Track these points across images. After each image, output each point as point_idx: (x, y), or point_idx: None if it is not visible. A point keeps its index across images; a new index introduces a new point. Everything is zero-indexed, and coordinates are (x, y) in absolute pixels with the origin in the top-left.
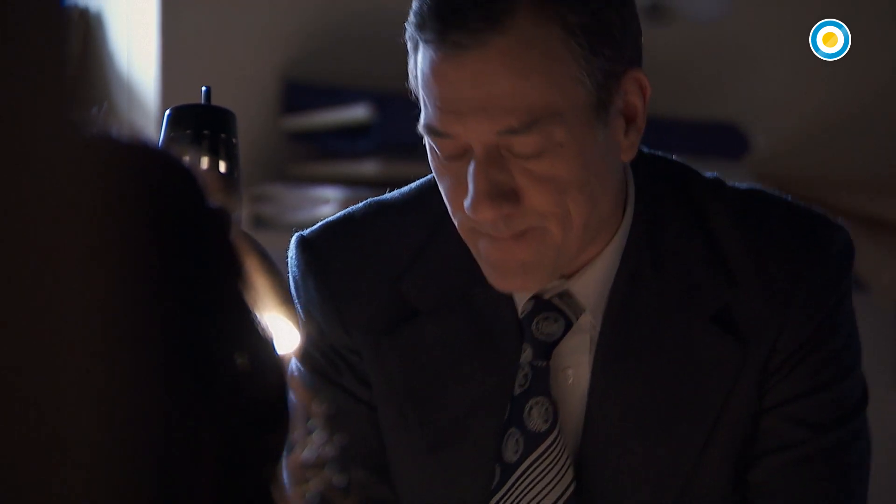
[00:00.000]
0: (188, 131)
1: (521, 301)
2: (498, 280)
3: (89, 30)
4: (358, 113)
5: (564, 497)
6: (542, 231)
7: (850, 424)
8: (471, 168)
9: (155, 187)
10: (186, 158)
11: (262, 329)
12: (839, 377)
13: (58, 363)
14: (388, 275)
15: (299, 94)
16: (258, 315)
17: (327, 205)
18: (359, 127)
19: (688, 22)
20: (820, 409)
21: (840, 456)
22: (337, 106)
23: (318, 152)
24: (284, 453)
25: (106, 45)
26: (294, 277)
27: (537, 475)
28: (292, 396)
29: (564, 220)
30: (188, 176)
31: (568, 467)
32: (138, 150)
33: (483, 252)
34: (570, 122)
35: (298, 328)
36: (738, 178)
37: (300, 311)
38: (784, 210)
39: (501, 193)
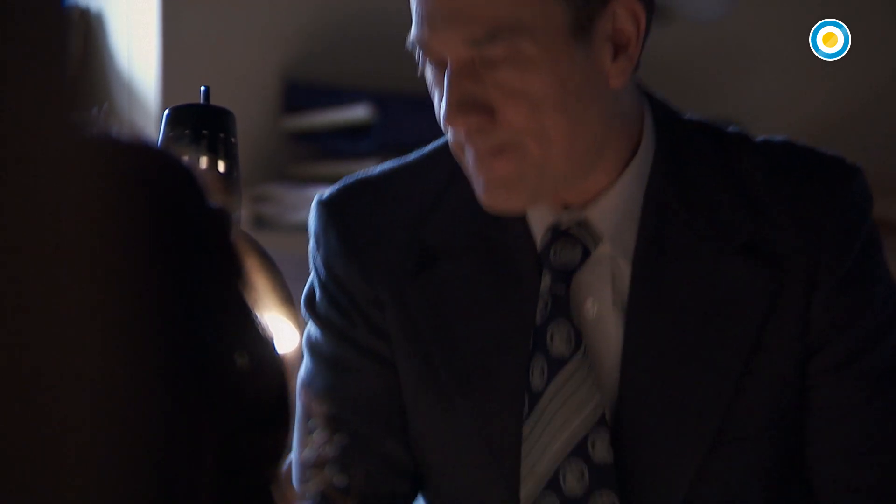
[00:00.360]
0: (187, 131)
1: (539, 234)
2: (483, 196)
3: (90, 30)
4: (358, 113)
5: (594, 420)
6: (520, 147)
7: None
8: (445, 79)
9: (155, 187)
10: (186, 158)
11: (263, 329)
12: (884, 309)
13: (57, 363)
14: (407, 223)
15: (300, 94)
16: (258, 315)
17: None
18: (359, 127)
19: (688, 22)
20: (866, 340)
21: (890, 386)
22: (337, 106)
23: (319, 152)
24: (285, 453)
25: (106, 45)
26: (315, 233)
27: (564, 399)
28: (293, 396)
29: (542, 138)
30: (188, 176)
31: (594, 391)
32: (138, 149)
33: (469, 167)
34: (541, 38)
35: (316, 288)
36: None
37: (319, 267)
38: (804, 149)
39: (473, 105)
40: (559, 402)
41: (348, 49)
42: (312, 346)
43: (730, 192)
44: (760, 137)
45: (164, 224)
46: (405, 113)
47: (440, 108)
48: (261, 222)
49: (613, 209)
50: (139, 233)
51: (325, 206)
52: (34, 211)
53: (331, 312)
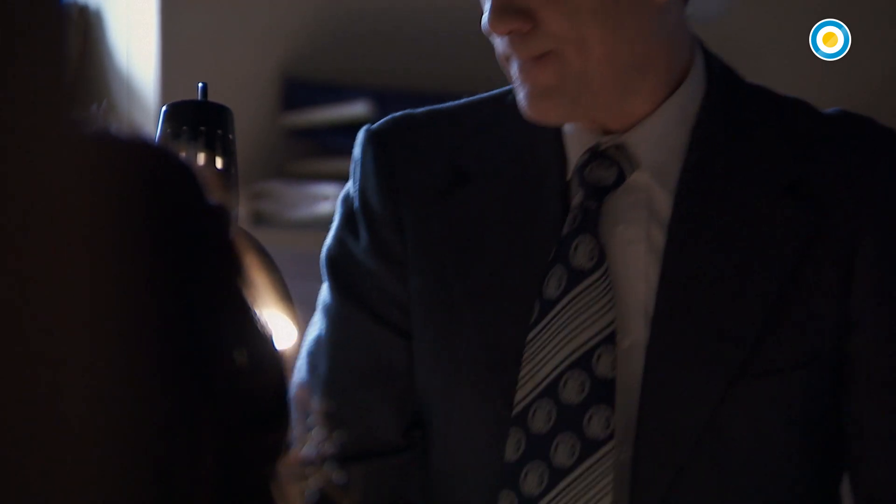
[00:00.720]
0: (185, 128)
1: (576, 157)
2: (526, 105)
3: (88, 27)
4: (357, 110)
5: (603, 336)
6: (560, 56)
7: None
8: None
9: (153, 184)
10: (183, 155)
11: (262, 326)
12: None
13: (56, 361)
14: (444, 149)
15: (299, 90)
16: (257, 312)
17: (327, 201)
18: (358, 124)
19: (688, 22)
20: None
21: None
22: (337, 103)
23: (318, 149)
24: (284, 451)
25: (105, 42)
26: (355, 159)
27: (577, 310)
28: (292, 394)
29: (581, 47)
30: (186, 172)
31: (610, 308)
32: (137, 146)
33: (514, 78)
34: None
35: (337, 236)
36: None
37: (356, 203)
38: (861, 116)
39: (515, 11)
40: (571, 312)
41: (347, 46)
42: (324, 304)
43: (780, 140)
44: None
45: (163, 221)
46: (404, 110)
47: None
48: (259, 219)
49: (653, 137)
50: (137, 230)
51: (368, 132)
52: (32, 209)
53: (351, 273)
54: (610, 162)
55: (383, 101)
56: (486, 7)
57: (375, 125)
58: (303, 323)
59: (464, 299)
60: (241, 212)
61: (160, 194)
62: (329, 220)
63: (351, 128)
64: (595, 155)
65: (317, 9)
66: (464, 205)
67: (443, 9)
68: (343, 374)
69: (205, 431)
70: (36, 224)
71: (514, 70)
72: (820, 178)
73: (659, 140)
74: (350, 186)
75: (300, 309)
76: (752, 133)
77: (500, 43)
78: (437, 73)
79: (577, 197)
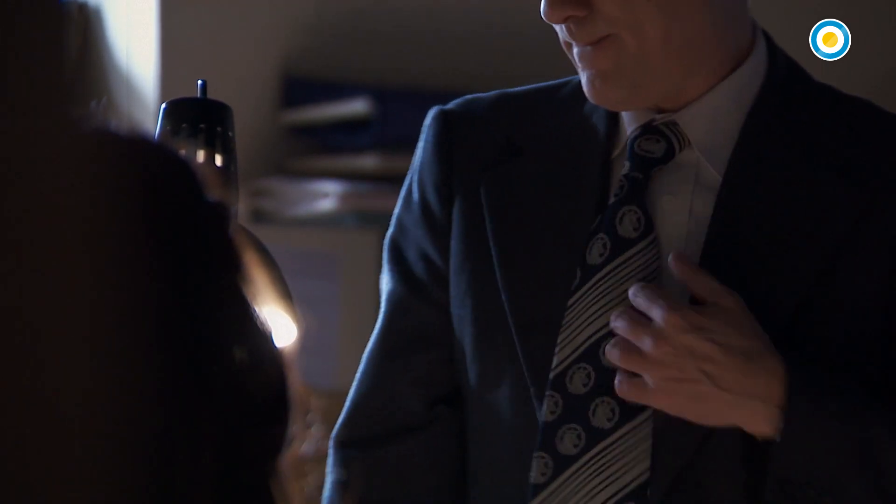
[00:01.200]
0: (184, 125)
1: (629, 130)
2: (588, 89)
3: (88, 24)
4: (357, 107)
5: None
6: (617, 40)
7: None
8: None
9: (152, 181)
10: (183, 152)
11: (261, 323)
12: None
13: (53, 359)
14: (503, 125)
15: (299, 88)
16: (257, 309)
17: (326, 199)
18: (358, 121)
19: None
20: None
21: None
22: (336, 100)
23: (318, 147)
24: (284, 448)
25: (105, 40)
26: (421, 139)
27: (621, 278)
28: (292, 391)
29: (637, 30)
30: (186, 170)
31: (655, 277)
32: (136, 144)
33: (576, 63)
34: None
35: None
36: None
37: (414, 177)
38: None
39: None
40: (615, 280)
41: (347, 43)
42: (385, 292)
43: (835, 129)
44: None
45: (162, 218)
46: (404, 107)
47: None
48: (259, 216)
49: (705, 115)
50: (136, 227)
51: (436, 110)
52: (30, 206)
53: (410, 258)
54: (660, 136)
55: (383, 98)
56: None
57: (447, 105)
58: (302, 320)
59: (501, 259)
60: (241, 209)
61: (159, 191)
62: (329, 218)
63: (350, 125)
64: (647, 129)
65: (316, 6)
66: (512, 174)
67: (442, 6)
68: (374, 346)
69: (204, 429)
70: (34, 222)
71: (575, 56)
72: (872, 164)
73: (712, 119)
74: (409, 175)
75: (300, 306)
76: (808, 121)
77: (560, 29)
78: (437, 70)
79: (625, 167)
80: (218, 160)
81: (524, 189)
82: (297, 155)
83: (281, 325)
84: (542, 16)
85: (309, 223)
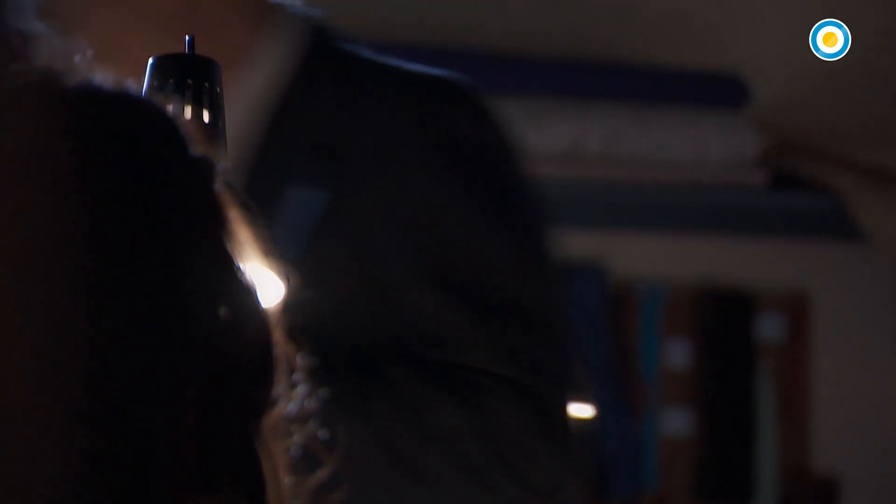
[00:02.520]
0: (171, 81)
1: None
2: None
3: None
4: None
5: None
6: None
7: None
8: None
9: (136, 136)
10: (169, 108)
11: (246, 282)
12: None
13: (24, 319)
14: None
15: None
16: (242, 267)
17: None
18: None
19: None
20: None
21: None
22: None
23: None
24: (269, 408)
25: None
26: None
27: None
28: (277, 350)
29: None
30: (169, 124)
31: None
32: (121, 98)
33: None
34: None
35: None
36: (740, 129)
37: None
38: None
39: None
40: None
41: None
42: None
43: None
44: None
45: (145, 173)
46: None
47: None
48: None
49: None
50: (118, 182)
51: None
52: (9, 161)
53: None
54: None
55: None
56: None
57: None
58: (288, 277)
59: None
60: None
61: (142, 147)
62: None
63: None
64: None
65: None
66: None
67: None
68: None
69: (186, 389)
70: (13, 176)
71: None
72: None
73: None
74: None
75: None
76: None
77: None
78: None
79: None
80: (206, 116)
81: None
82: None
83: (269, 283)
84: None
85: None
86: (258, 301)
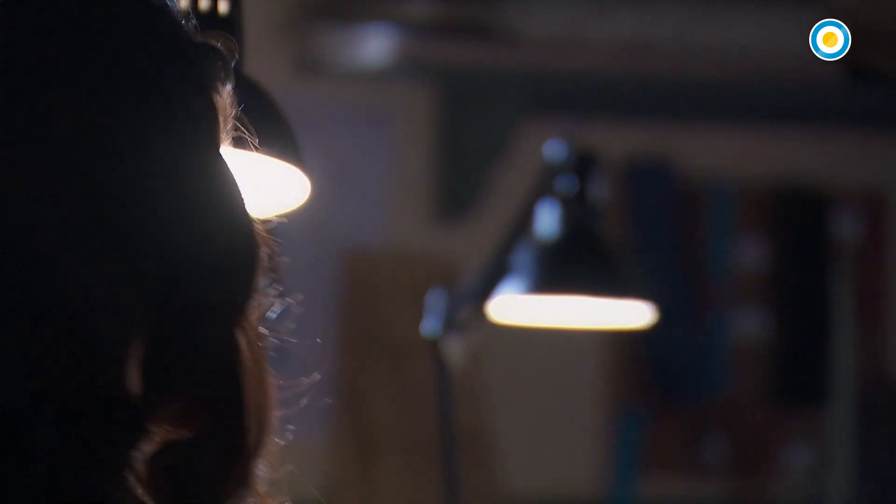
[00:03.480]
0: None
1: None
2: None
3: None
4: None
5: None
6: None
7: None
8: None
9: (127, 20)
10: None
11: (233, 190)
12: None
13: None
14: None
15: None
16: (229, 176)
17: (377, 48)
18: None
19: None
20: None
21: None
22: None
23: None
24: (252, 302)
25: None
26: None
27: None
28: (260, 258)
29: None
30: (161, 13)
31: None
32: None
33: None
34: None
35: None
36: (816, 20)
37: None
38: None
39: None
40: None
41: None
42: None
43: None
44: None
45: (132, 63)
46: None
47: None
48: (305, 67)
49: None
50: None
51: None
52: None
53: None
54: None
55: None
56: None
57: None
58: (316, 176)
59: None
60: (278, 58)
61: (133, 34)
62: (380, 69)
63: None
64: None
65: None
66: None
67: None
68: None
69: (165, 296)
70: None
71: None
72: None
73: None
74: None
75: (348, 164)
76: None
77: None
78: None
79: None
80: (222, 6)
81: None
82: None
83: (291, 182)
84: None
85: (359, 76)
86: (245, 211)
